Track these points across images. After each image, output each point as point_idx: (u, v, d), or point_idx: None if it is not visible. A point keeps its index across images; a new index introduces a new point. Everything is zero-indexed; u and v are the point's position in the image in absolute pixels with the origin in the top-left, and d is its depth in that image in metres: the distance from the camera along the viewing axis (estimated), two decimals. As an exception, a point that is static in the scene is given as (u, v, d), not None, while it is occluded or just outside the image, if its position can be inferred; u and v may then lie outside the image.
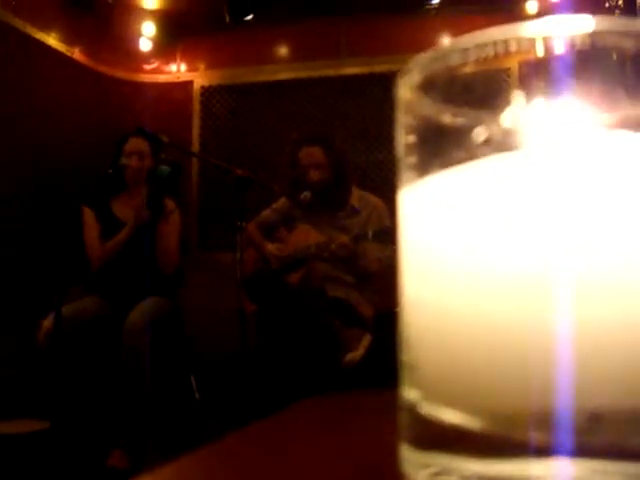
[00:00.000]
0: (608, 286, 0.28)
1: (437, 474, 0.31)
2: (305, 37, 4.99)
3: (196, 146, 5.09)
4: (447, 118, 0.32)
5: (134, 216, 3.14)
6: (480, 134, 0.30)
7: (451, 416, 0.30)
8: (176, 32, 5.06)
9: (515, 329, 0.28)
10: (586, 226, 0.28)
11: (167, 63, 5.24)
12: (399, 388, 0.34)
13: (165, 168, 3.02)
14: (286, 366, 2.71)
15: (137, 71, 5.18)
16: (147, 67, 5.22)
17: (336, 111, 4.87)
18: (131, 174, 3.24)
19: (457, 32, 4.23)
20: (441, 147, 0.32)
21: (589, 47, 0.29)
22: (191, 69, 5.21)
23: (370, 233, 3.04)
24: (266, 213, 3.38)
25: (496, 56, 0.30)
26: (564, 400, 0.27)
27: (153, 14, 4.99)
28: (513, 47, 0.30)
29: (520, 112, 0.30)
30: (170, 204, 3.21)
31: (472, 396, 0.30)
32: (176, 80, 5.23)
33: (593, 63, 0.29)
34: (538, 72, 0.30)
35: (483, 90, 0.32)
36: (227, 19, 4.74)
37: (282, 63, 5.06)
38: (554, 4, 4.33)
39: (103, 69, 4.89)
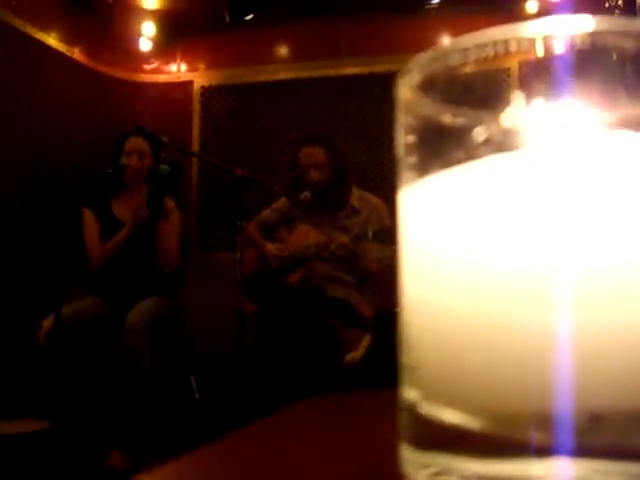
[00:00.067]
0: (608, 286, 0.28)
1: (437, 474, 0.31)
2: (305, 37, 4.99)
3: (196, 146, 5.09)
4: (447, 118, 0.32)
5: (133, 216, 3.14)
6: (480, 134, 0.30)
7: (451, 416, 0.30)
8: (176, 32, 5.06)
9: (515, 329, 0.28)
10: (586, 226, 0.28)
11: (167, 63, 5.24)
12: (399, 388, 0.34)
13: (165, 167, 3.01)
14: (286, 366, 2.71)
15: (137, 71, 5.18)
16: (147, 67, 5.22)
17: (336, 111, 4.86)
18: (131, 173, 3.24)
19: (457, 32, 4.23)
20: (441, 147, 0.32)
21: (589, 47, 0.29)
22: (191, 69, 5.21)
23: (370, 233, 3.04)
24: (266, 213, 3.38)
25: (496, 56, 0.30)
26: (564, 400, 0.27)
27: (153, 14, 4.99)
28: (513, 47, 0.30)
29: (520, 112, 0.30)
30: (170, 203, 3.21)
31: (472, 396, 0.30)
32: (176, 80, 5.23)
33: (593, 63, 0.29)
34: (538, 72, 0.30)
35: (483, 90, 0.32)
36: (227, 19, 4.74)
37: (282, 63, 5.06)
38: (554, 4, 4.33)
39: (103, 69, 4.89)
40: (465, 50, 0.31)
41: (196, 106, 5.18)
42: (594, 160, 0.29)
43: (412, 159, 0.33)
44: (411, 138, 0.34)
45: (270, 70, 5.05)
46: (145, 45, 5.10)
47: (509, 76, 0.31)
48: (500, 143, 0.30)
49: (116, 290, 3.15)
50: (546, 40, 0.29)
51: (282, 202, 3.35)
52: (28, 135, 4.07)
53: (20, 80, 4.11)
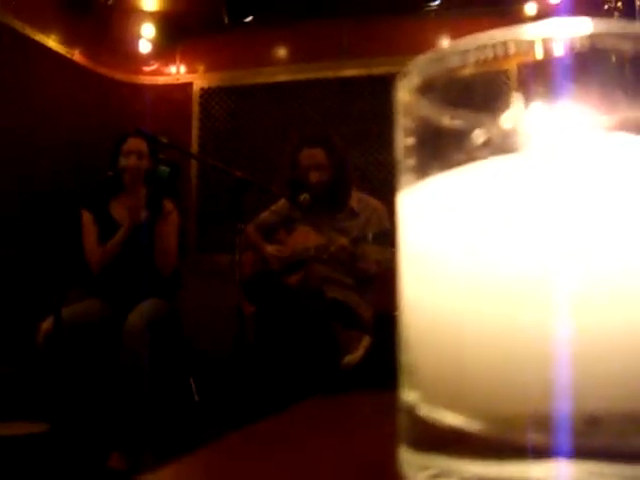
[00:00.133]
0: (607, 289, 0.28)
1: (436, 476, 0.31)
2: (304, 39, 5.00)
3: (195, 148, 5.09)
4: (446, 120, 0.32)
5: (129, 217, 3.15)
6: (479, 136, 0.30)
7: (450, 418, 0.30)
8: (175, 34, 5.06)
9: (514, 332, 0.28)
10: (586, 229, 0.28)
11: (166, 65, 5.24)
12: (398, 390, 0.34)
13: (165, 169, 3.01)
14: (285, 368, 2.71)
15: (137, 73, 5.19)
16: (146, 69, 5.22)
17: (335, 113, 4.87)
18: (129, 174, 3.24)
19: (456, 34, 4.24)
20: (440, 149, 0.32)
21: (588, 49, 0.29)
22: (190, 71, 5.21)
23: (370, 235, 3.04)
24: (265, 215, 3.38)
25: (495, 58, 0.30)
26: (563, 402, 0.27)
27: (152, 16, 5.00)
28: (512, 49, 0.30)
29: (519, 114, 0.30)
30: (168, 205, 3.21)
31: (471, 398, 0.30)
32: (175, 82, 5.23)
33: (592, 65, 0.29)
34: (537, 74, 0.30)
35: (482, 92, 0.32)
36: (226, 21, 4.75)
37: (281, 65, 5.07)
38: (553, 6, 4.33)
39: (103, 71, 4.89)
40: (464, 52, 0.31)
41: (195, 108, 5.19)
42: (593, 163, 0.29)
43: (411, 161, 0.33)
44: (410, 140, 0.34)
45: (269, 72, 5.05)
46: (144, 47, 5.10)
47: (508, 78, 0.31)
48: (499, 145, 0.30)
49: (115, 292, 3.15)
50: (545, 42, 0.29)
51: (281, 204, 3.35)
52: (27, 137, 4.07)
53: (19, 82, 4.12)
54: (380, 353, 2.66)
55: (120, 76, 5.05)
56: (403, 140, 0.34)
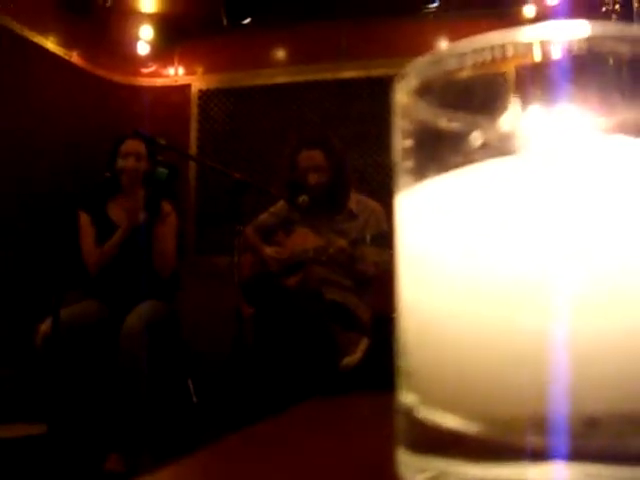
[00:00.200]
0: (605, 291, 0.28)
1: (434, 478, 0.31)
2: (303, 41, 5.00)
3: (193, 149, 5.09)
4: (444, 122, 0.32)
5: (127, 218, 3.15)
6: (477, 139, 0.30)
7: (448, 420, 0.30)
8: (174, 36, 5.06)
9: (512, 334, 0.28)
10: (584, 232, 0.28)
11: (165, 67, 5.24)
12: (396, 392, 0.34)
13: (163, 170, 3.01)
14: (284, 369, 2.70)
15: (135, 75, 5.19)
16: (145, 71, 5.22)
17: (334, 115, 4.87)
18: (127, 176, 3.24)
19: (455, 36, 4.24)
20: (438, 152, 0.32)
21: (586, 52, 0.29)
22: (189, 73, 5.21)
23: (368, 237, 3.04)
24: (264, 217, 3.38)
25: (493, 61, 0.30)
26: (560, 405, 0.27)
27: (151, 18, 5.00)
28: (510, 52, 0.30)
29: (517, 117, 0.30)
30: (167, 207, 3.21)
31: (469, 400, 0.30)
32: (174, 84, 5.23)
33: (590, 68, 0.29)
34: (535, 77, 0.30)
35: (480, 95, 0.32)
36: (225, 23, 4.75)
37: (280, 67, 5.07)
38: (551, 9, 4.33)
39: (101, 73, 4.89)
40: (462, 54, 0.31)
41: (194, 109, 5.19)
42: (591, 165, 0.29)
43: (409, 163, 0.33)
44: (408, 142, 0.34)
45: (268, 74, 5.05)
46: (143, 49, 5.10)
47: (506, 81, 0.31)
48: (497, 148, 0.30)
49: (113, 294, 3.15)
50: (543, 45, 0.29)
51: (280, 205, 3.35)
52: (26, 139, 4.07)
53: (18, 84, 4.12)
54: (378, 355, 2.66)
55: (118, 78, 5.05)
56: (401, 142, 0.34)
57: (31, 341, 2.93)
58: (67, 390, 2.88)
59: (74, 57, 4.65)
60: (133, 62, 5.13)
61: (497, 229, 0.29)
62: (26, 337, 3.00)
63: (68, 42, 4.57)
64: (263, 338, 2.86)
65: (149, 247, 3.17)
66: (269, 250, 3.26)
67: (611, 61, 0.29)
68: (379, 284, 3.05)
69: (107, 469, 2.76)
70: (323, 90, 4.95)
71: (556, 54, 0.29)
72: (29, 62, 4.24)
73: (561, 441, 0.27)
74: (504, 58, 0.30)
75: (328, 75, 4.95)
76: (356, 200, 3.25)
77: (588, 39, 0.29)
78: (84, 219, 3.29)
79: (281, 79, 5.03)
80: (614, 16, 3.13)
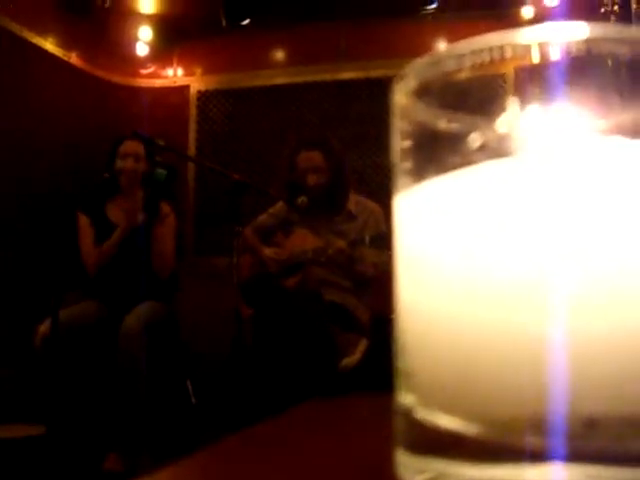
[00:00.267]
0: (603, 292, 0.28)
1: (433, 479, 0.31)
2: (302, 42, 5.00)
3: (192, 150, 5.09)
4: (443, 124, 0.32)
5: (125, 219, 3.15)
6: (476, 140, 0.30)
7: (447, 421, 0.30)
8: (173, 37, 5.06)
9: (511, 335, 0.28)
10: (582, 233, 0.28)
11: (164, 68, 5.24)
12: (395, 393, 0.34)
13: (162, 172, 3.01)
14: (283, 370, 2.70)
15: (134, 76, 5.18)
16: (144, 72, 5.22)
17: (333, 116, 4.87)
18: (126, 177, 3.24)
19: (454, 37, 4.24)
20: (436, 153, 0.32)
21: (584, 53, 0.29)
22: (188, 74, 5.21)
23: (367, 238, 3.04)
24: (263, 218, 3.38)
25: (492, 62, 0.30)
26: (559, 406, 0.27)
27: (150, 19, 4.99)
28: (509, 53, 0.30)
29: (515, 118, 0.30)
30: (165, 207, 3.21)
31: (468, 401, 0.30)
32: (173, 85, 5.23)
33: (588, 69, 0.29)
34: (533, 78, 0.30)
35: (479, 96, 0.32)
36: (224, 24, 4.74)
37: (279, 68, 5.07)
38: (550, 10, 4.34)
39: (100, 74, 4.88)
40: (461, 56, 0.31)
41: (192, 110, 5.19)
42: (589, 167, 0.29)
43: (407, 164, 0.33)
44: (406, 143, 0.34)
45: (267, 75, 5.05)
46: (142, 50, 5.10)
47: (505, 82, 0.31)
48: (495, 149, 0.30)
49: (112, 294, 3.15)
50: (542, 46, 0.29)
51: (279, 206, 3.35)
52: (25, 139, 4.07)
53: (17, 85, 4.11)
54: (377, 356, 2.66)
55: (117, 79, 5.04)
56: (399, 143, 0.34)
57: (30, 342, 2.92)
58: (66, 391, 2.88)
59: (73, 58, 4.65)
60: (132, 63, 5.13)
61: (495, 230, 0.29)
62: (25, 338, 3.00)
63: (67, 43, 4.57)
64: (262, 339, 2.86)
65: (148, 248, 3.17)
66: (268, 251, 3.26)
67: (610, 63, 0.29)
68: (378, 285, 3.05)
69: (106, 469, 2.76)
70: (322, 91, 4.95)
71: (554, 55, 0.29)
72: (28, 63, 4.24)
73: (560, 442, 0.27)
74: (503, 59, 0.30)
75: (327, 76, 4.95)
76: (355, 201, 3.25)
77: (587, 41, 0.29)
78: (83, 220, 3.29)
79: (280, 80, 5.03)
80: (613, 17, 3.13)
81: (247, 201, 2.93)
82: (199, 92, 5.19)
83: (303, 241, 3.20)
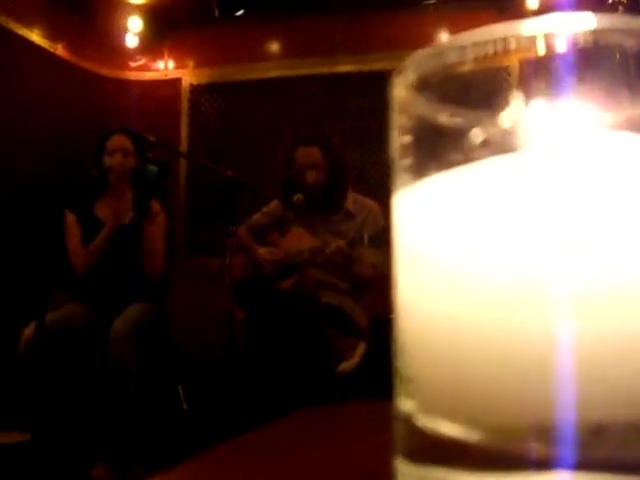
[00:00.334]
0: (611, 292, 0.28)
1: (433, 488, 0.31)
2: (298, 33, 5.00)
3: (184, 146, 5.09)
4: (444, 118, 0.32)
5: (113, 217, 3.15)
6: (478, 135, 0.30)
7: (448, 428, 0.30)
8: (163, 28, 5.06)
9: (514, 337, 0.28)
10: (588, 231, 0.28)
11: (154, 60, 5.24)
12: (394, 399, 0.34)
13: (152, 168, 3.01)
14: (277, 376, 2.70)
15: (123, 68, 5.18)
16: (133, 64, 5.22)
17: (330, 110, 4.87)
18: (115, 173, 3.24)
19: (455, 29, 4.24)
20: (437, 148, 0.32)
21: (591, 45, 0.29)
22: (179, 66, 5.21)
23: (366, 238, 3.04)
24: (257, 216, 3.38)
25: (495, 54, 0.30)
26: (566, 412, 0.27)
27: (139, 9, 4.99)
28: (513, 45, 0.30)
29: (520, 112, 0.30)
30: (156, 206, 3.21)
31: (470, 407, 0.30)
32: (163, 78, 5.23)
33: (595, 62, 0.29)
34: (538, 71, 0.30)
35: (481, 89, 0.32)
36: (217, 14, 4.74)
37: (274, 60, 5.07)
38: (555, 1, 4.34)
39: (87, 66, 4.88)
40: (463, 48, 0.31)
41: (184, 105, 5.19)
42: (596, 162, 0.29)
43: (407, 161, 0.33)
44: (406, 139, 0.34)
45: (262, 68, 5.05)
46: (131, 41, 5.10)
47: (508, 75, 0.31)
48: (499, 144, 0.30)
49: (101, 296, 3.14)
50: (547, 38, 0.29)
51: (274, 205, 3.35)
52: (9, 132, 4.06)
53: (2, 77, 4.11)
54: (376, 360, 2.66)
55: (105, 71, 5.04)
56: (399, 139, 0.34)
57: (14, 345, 2.92)
58: (52, 396, 2.87)
59: (59, 50, 4.64)
60: (121, 55, 5.13)
61: (498, 228, 0.29)
62: (9, 341, 3.00)
63: (53, 34, 4.57)
64: (256, 343, 2.86)
65: (138, 248, 3.17)
66: (262, 251, 3.26)
67: (617, 55, 0.29)
68: (377, 286, 3.05)
69: (93, 477, 2.75)
70: (319, 85, 4.95)
71: (560, 47, 0.29)
72: (13, 55, 4.24)
73: (566, 449, 0.27)
74: (506, 51, 0.30)
75: (324, 69, 4.95)
76: (353, 199, 3.25)
77: (594, 32, 0.29)
78: (70, 219, 3.28)
79: (275, 73, 5.03)
80: (621, 8, 3.13)
81: (241, 199, 2.93)
82: (191, 85, 5.19)
83: (299, 241, 3.20)
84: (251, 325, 2.89)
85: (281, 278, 3.15)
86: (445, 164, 0.31)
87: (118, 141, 3.26)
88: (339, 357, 2.82)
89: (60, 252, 3.26)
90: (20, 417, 2.90)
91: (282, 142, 3.38)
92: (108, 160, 3.24)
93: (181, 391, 3.22)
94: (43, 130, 4.34)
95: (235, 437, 0.58)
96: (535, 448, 0.28)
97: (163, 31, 5.08)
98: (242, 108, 5.07)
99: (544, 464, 0.27)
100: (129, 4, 4.94)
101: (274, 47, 5.10)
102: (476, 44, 0.30)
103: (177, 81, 5.20)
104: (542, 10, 4.33)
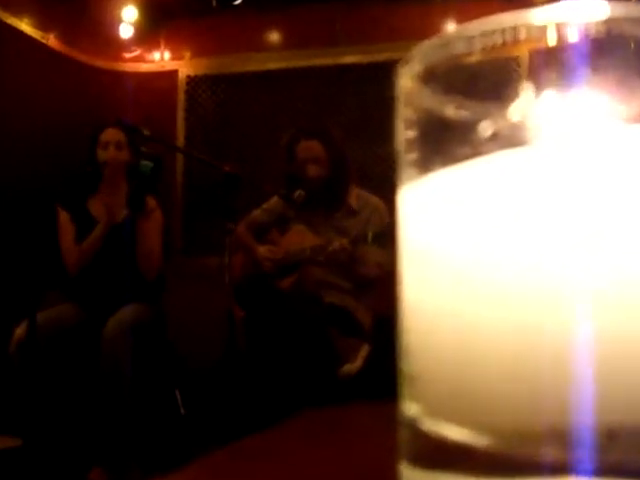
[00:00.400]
0: (628, 290, 0.28)
1: (440, 495, 0.31)
2: (298, 23, 4.99)
3: (181, 140, 5.09)
4: (451, 111, 0.32)
5: (106, 213, 3.15)
6: (486, 128, 0.30)
7: (455, 432, 0.30)
8: (159, 17, 5.06)
9: (526, 337, 0.28)
10: (601, 227, 0.28)
11: (150, 51, 5.24)
12: (399, 402, 0.34)
13: (147, 163, 3.01)
14: (278, 378, 2.71)
15: (117, 59, 5.18)
16: (128, 55, 5.21)
17: (332, 103, 4.86)
18: (109, 167, 3.24)
19: (463, 18, 4.24)
20: (444, 142, 0.32)
21: (604, 34, 0.29)
22: (176, 57, 5.21)
23: (370, 235, 3.04)
24: (257, 213, 3.38)
25: (504, 44, 0.30)
26: (580, 416, 0.27)
27: (134, -2, 4.99)
28: (523, 34, 0.30)
29: (530, 105, 0.30)
30: (151, 202, 3.21)
31: (478, 411, 0.30)
32: (159, 69, 5.23)
33: (608, 52, 0.29)
34: (549, 62, 0.30)
35: (490, 81, 0.32)
36: (214, 3, 4.74)
37: (274, 51, 5.06)
38: (567, -12, 4.33)
39: (80, 57, 4.88)
40: (471, 38, 0.31)
41: (181, 97, 5.19)
42: (609, 156, 0.29)
43: (413, 155, 0.33)
44: (412, 132, 0.34)
45: (261, 59, 5.05)
46: (126, 31, 5.10)
47: (518, 66, 0.31)
48: (508, 138, 0.30)
49: (95, 296, 3.14)
50: (558, 27, 0.29)
51: (274, 201, 3.35)
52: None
53: (-10, 69, 4.11)
54: (380, 362, 2.66)
55: (99, 63, 5.04)
56: (404, 132, 0.34)
57: (5, 346, 2.92)
58: (44, 400, 2.87)
59: (51, 40, 4.64)
60: (115, 46, 5.13)
61: (507, 225, 0.29)
62: (0, 342, 3.00)
63: (45, 24, 4.57)
64: (256, 344, 2.87)
65: (133, 246, 3.17)
66: (262, 249, 3.26)
67: (631, 44, 0.29)
68: (382, 286, 3.05)
69: (88, 484, 2.76)
70: (321, 76, 4.95)
71: (572, 37, 0.29)
72: (3, 45, 4.23)
73: (581, 455, 0.27)
74: (516, 41, 0.30)
75: (326, 60, 4.95)
76: (356, 195, 3.25)
77: (607, 21, 0.29)
78: (63, 216, 3.29)
79: (275, 64, 5.02)
80: (635, -4, 3.13)
81: (239, 195, 2.93)
82: (188, 77, 5.19)
83: (300, 238, 3.20)
84: (251, 326, 2.89)
85: (282, 277, 3.15)
86: (452, 158, 0.31)
87: (111, 134, 3.26)
88: (342, 359, 2.83)
89: (52, 250, 3.26)
90: (11, 421, 2.90)
91: (282, 135, 3.37)
92: (102, 155, 3.24)
93: (178, 395, 3.22)
94: (34, 124, 4.33)
95: (234, 442, 0.58)
96: (549, 453, 0.27)
97: (159, 21, 5.08)
98: (241, 100, 5.07)
99: (558, 469, 0.27)
100: (124, -7, 4.95)
101: (273, 37, 5.09)
102: (484, 34, 0.30)
103: (173, 73, 5.20)
104: (553, -2, 4.32)
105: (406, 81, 0.34)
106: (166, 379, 3.26)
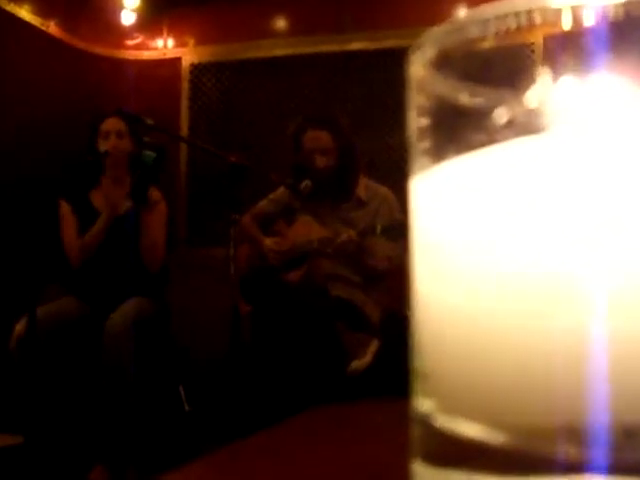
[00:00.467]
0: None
1: (453, 493, 0.31)
2: (304, 9, 4.98)
3: (184, 130, 5.09)
4: (464, 98, 0.31)
5: (108, 205, 3.16)
6: (501, 116, 0.30)
7: (469, 429, 0.30)
8: (162, 3, 5.05)
9: (542, 332, 0.28)
10: (621, 217, 0.28)
11: (152, 38, 5.23)
12: (411, 398, 0.34)
13: (150, 154, 3.01)
14: (285, 374, 2.71)
15: (119, 47, 5.18)
16: (130, 42, 5.21)
17: (339, 91, 4.86)
18: (111, 157, 3.25)
19: (474, 2, 4.22)
20: (458, 130, 0.32)
21: (623, 17, 0.29)
22: (179, 44, 5.21)
23: (378, 227, 3.04)
24: (263, 204, 3.38)
25: (519, 29, 0.30)
26: (597, 413, 0.27)
27: (137, -17, 4.99)
28: (538, 18, 0.30)
29: (546, 91, 0.30)
30: (155, 194, 3.21)
31: (493, 407, 0.30)
32: (162, 57, 5.22)
33: (627, 35, 0.29)
34: (565, 46, 0.30)
35: (505, 67, 0.32)
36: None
37: (279, 38, 5.05)
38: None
39: (81, 44, 4.88)
40: (485, 22, 0.30)
41: (184, 85, 5.18)
42: (628, 143, 0.29)
43: (425, 144, 0.33)
44: (424, 120, 0.34)
45: (266, 45, 5.04)
46: (128, 18, 5.09)
47: (533, 51, 0.31)
48: (523, 125, 0.30)
49: (97, 289, 3.15)
50: (575, 11, 0.29)
51: (281, 192, 3.35)
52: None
53: (-11, 57, 4.12)
54: (390, 358, 2.66)
55: (100, 50, 5.04)
56: (416, 120, 0.34)
57: (5, 341, 2.93)
58: (45, 396, 2.88)
59: (51, 27, 4.64)
60: (117, 33, 5.13)
61: (523, 216, 0.29)
62: (0, 337, 3.01)
63: (45, 11, 4.57)
64: (262, 339, 2.87)
65: (136, 238, 3.18)
66: (269, 241, 3.26)
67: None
68: (391, 280, 3.05)
69: (90, 482, 2.77)
70: (328, 63, 4.94)
71: (589, 20, 0.29)
72: (2, 32, 4.24)
73: (597, 453, 0.27)
74: (531, 25, 0.30)
75: (333, 47, 4.94)
76: (365, 186, 3.25)
77: (625, 3, 0.28)
78: (65, 208, 3.30)
79: (281, 51, 5.02)
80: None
81: (245, 186, 2.93)
82: (192, 65, 5.19)
83: (307, 230, 3.20)
84: (257, 320, 2.90)
85: (288, 270, 3.15)
86: (466, 146, 0.31)
87: (112, 123, 3.27)
88: (350, 354, 2.83)
89: (54, 243, 3.27)
90: (11, 418, 2.91)
91: (288, 124, 3.37)
92: (103, 145, 3.25)
93: (182, 391, 3.23)
94: (34, 113, 4.34)
95: (240, 439, 0.58)
96: (564, 450, 0.27)
97: (162, 7, 5.07)
98: (246, 88, 5.06)
99: (574, 467, 0.27)
100: (125, -22, 4.95)
101: (279, 23, 5.08)
102: (498, 18, 0.30)
103: (177, 60, 5.20)
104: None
105: (418, 67, 0.34)
106: (170, 375, 3.27)
